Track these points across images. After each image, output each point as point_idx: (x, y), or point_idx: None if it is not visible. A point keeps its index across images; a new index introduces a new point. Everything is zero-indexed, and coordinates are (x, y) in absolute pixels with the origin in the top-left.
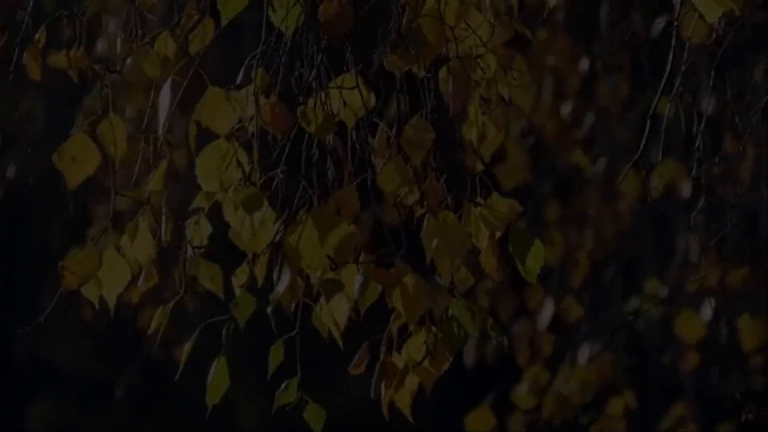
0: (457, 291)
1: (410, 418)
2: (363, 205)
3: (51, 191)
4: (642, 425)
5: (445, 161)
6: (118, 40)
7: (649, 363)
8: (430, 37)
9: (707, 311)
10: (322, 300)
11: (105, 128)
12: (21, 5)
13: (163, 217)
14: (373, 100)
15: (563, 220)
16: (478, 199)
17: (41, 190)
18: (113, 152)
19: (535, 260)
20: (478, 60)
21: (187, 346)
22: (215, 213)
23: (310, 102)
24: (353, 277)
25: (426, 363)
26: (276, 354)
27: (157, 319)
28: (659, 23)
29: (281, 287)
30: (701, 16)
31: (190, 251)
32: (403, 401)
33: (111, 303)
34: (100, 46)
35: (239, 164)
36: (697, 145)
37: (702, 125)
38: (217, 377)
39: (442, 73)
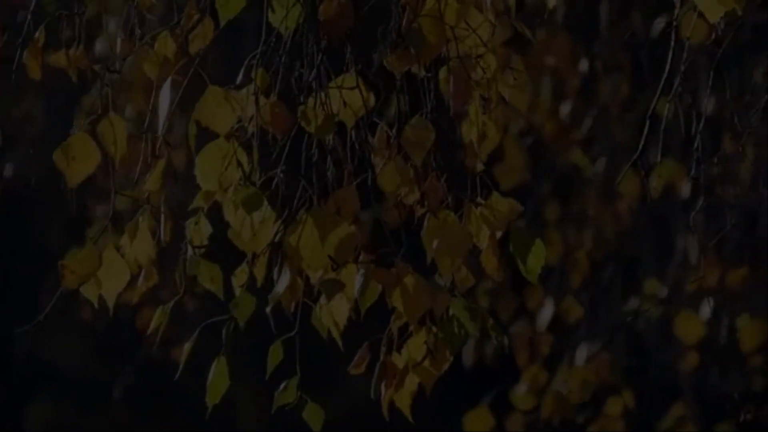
0: (457, 291)
1: (410, 419)
2: (363, 205)
3: (50, 191)
4: (641, 425)
5: (446, 161)
6: (118, 40)
7: (649, 363)
8: (431, 37)
9: (706, 311)
10: (322, 300)
11: (105, 128)
12: (23, 5)
13: (162, 217)
14: (372, 100)
15: (562, 220)
16: (479, 199)
17: (40, 189)
18: (113, 152)
19: (536, 260)
20: (479, 60)
21: (187, 346)
22: (215, 213)
23: (310, 102)
24: (353, 277)
25: (426, 363)
26: (275, 354)
27: (156, 319)
28: (659, 23)
29: (281, 287)
30: (702, 16)
31: (190, 251)
32: (403, 401)
33: (110, 303)
34: (100, 46)
35: (239, 164)
36: (696, 145)
37: (701, 125)
38: (217, 377)
39: (443, 73)
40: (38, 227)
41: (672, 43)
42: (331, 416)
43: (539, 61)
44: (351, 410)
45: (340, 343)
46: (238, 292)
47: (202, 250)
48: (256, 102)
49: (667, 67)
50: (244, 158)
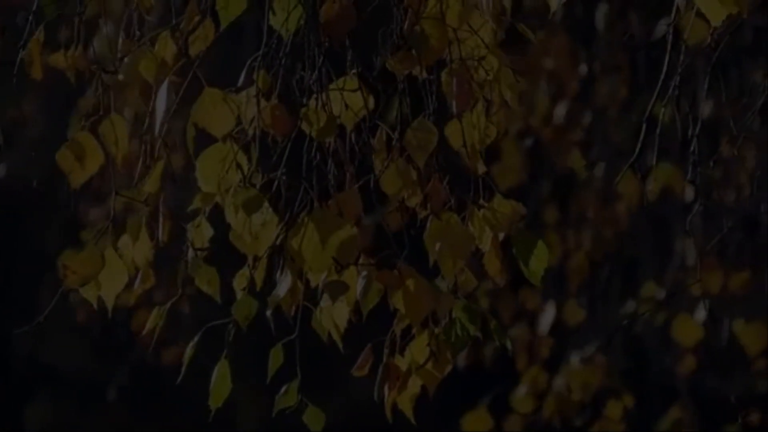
0: (460, 293)
1: (413, 421)
2: (365, 208)
3: (49, 192)
4: (639, 428)
5: (448, 163)
6: (120, 41)
7: (647, 366)
8: (433, 39)
9: (703, 314)
10: (323, 303)
11: (106, 128)
12: (22, 6)
13: (161, 218)
14: (372, 103)
15: (561, 222)
16: (482, 201)
17: (39, 190)
18: (114, 152)
19: (539, 262)
20: (481, 62)
21: (189, 349)
22: (216, 215)
23: (311, 104)
24: (354, 280)
25: (429, 365)
26: (276, 357)
27: (152, 320)
28: (662, 26)
29: (281, 290)
30: (703, 18)
31: (191, 253)
32: (406, 403)
33: (109, 304)
34: (99, 47)
35: (238, 166)
36: (692, 148)
37: (698, 128)
38: (220, 380)
39: (445, 75)
40: (36, 229)
41: (668, 46)
42: (331, 419)
43: (537, 62)
44: (351, 413)
45: (341, 346)
46: (239, 295)
47: (204, 252)
48: (257, 104)
49: (664, 69)
50: (243, 161)
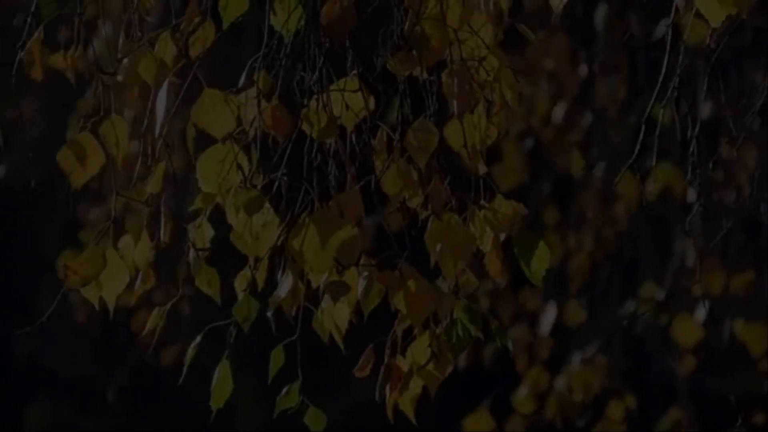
0: (461, 294)
1: (414, 421)
2: (366, 209)
3: (48, 193)
4: (640, 428)
5: (449, 164)
6: (119, 41)
7: (647, 366)
8: (433, 40)
9: (703, 315)
10: (324, 304)
11: (107, 129)
12: (21, 7)
13: (162, 219)
14: (373, 103)
15: (561, 223)
16: (483, 202)
17: (38, 191)
18: (115, 153)
19: (540, 262)
20: (482, 62)
21: (191, 350)
22: (217, 216)
23: (312, 105)
24: (355, 281)
25: (430, 366)
26: (277, 358)
27: (152, 321)
28: (661, 26)
29: (282, 291)
30: (703, 19)
31: (193, 253)
32: (407, 404)
33: (110, 304)
34: (98, 48)
35: (239, 167)
36: (692, 149)
37: (697, 129)
38: (221, 381)
39: (445, 75)
40: (36, 229)
41: (668, 47)
42: (333, 420)
43: (536, 62)
44: (352, 414)
45: (342, 347)
46: (240, 295)
47: (206, 252)
48: (258, 105)
49: (664, 70)
50: (244, 161)
